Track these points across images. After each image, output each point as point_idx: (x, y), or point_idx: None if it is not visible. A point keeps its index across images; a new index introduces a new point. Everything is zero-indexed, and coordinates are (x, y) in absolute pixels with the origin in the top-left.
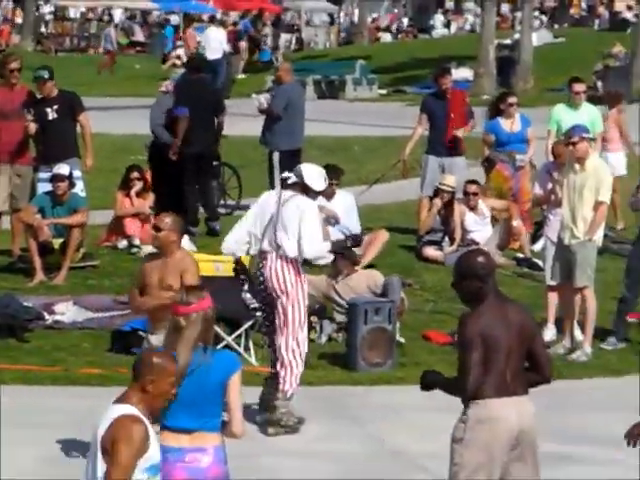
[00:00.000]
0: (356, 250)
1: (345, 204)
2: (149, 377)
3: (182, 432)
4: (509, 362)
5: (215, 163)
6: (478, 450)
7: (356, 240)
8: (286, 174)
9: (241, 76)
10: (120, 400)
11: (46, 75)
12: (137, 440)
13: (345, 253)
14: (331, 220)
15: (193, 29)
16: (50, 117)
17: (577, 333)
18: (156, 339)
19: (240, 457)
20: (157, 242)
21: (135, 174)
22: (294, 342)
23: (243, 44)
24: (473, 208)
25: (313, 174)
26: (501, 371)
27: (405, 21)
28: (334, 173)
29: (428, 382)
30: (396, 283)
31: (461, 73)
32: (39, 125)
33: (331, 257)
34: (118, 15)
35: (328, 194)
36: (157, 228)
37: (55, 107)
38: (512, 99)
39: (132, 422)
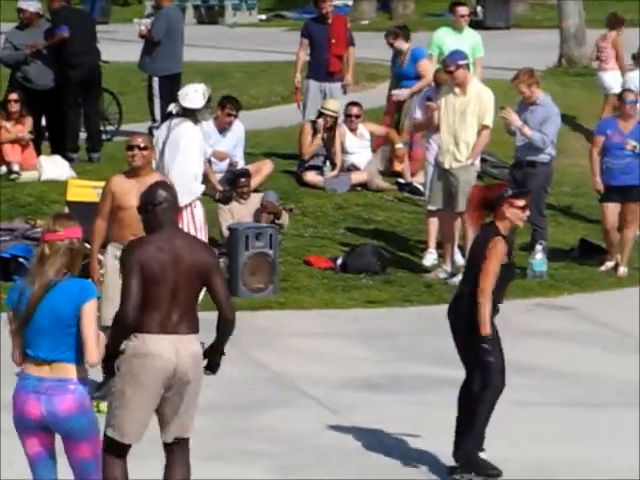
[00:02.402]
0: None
1: (239, 134)
2: None
3: (42, 362)
4: (175, 299)
5: None
6: (132, 383)
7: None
8: (170, 106)
9: None
10: None
11: None
12: None
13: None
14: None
15: None
16: None
17: (458, 258)
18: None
19: None
20: (142, 160)
21: (13, 96)
22: None
23: None
24: (353, 130)
25: (188, 93)
26: (164, 307)
27: None
28: (232, 104)
29: None
30: (272, 194)
31: None
32: None
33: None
34: None
35: (225, 124)
36: (139, 147)
37: None
38: (391, 32)
39: None
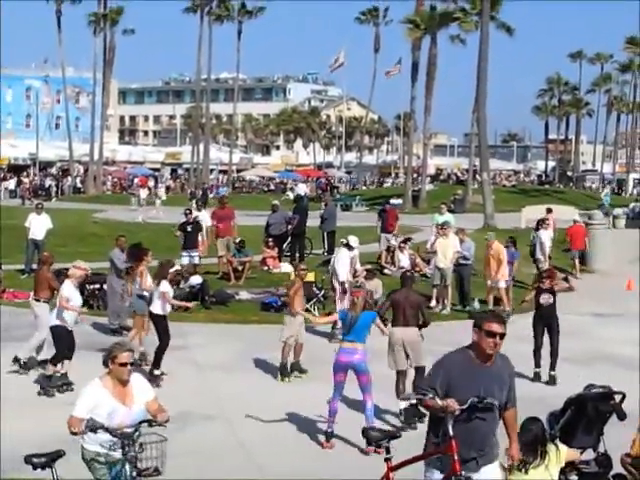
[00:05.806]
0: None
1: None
2: None
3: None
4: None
5: None
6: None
7: (370, 270)
8: (342, 240)
9: None
10: None
11: None
12: None
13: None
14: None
15: None
16: None
17: (447, 303)
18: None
19: None
20: (300, 277)
21: (270, 239)
22: None
23: None
24: (402, 252)
25: (350, 238)
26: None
27: None
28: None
29: None
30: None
31: None
32: None
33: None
34: None
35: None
36: (303, 269)
37: None
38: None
39: None
